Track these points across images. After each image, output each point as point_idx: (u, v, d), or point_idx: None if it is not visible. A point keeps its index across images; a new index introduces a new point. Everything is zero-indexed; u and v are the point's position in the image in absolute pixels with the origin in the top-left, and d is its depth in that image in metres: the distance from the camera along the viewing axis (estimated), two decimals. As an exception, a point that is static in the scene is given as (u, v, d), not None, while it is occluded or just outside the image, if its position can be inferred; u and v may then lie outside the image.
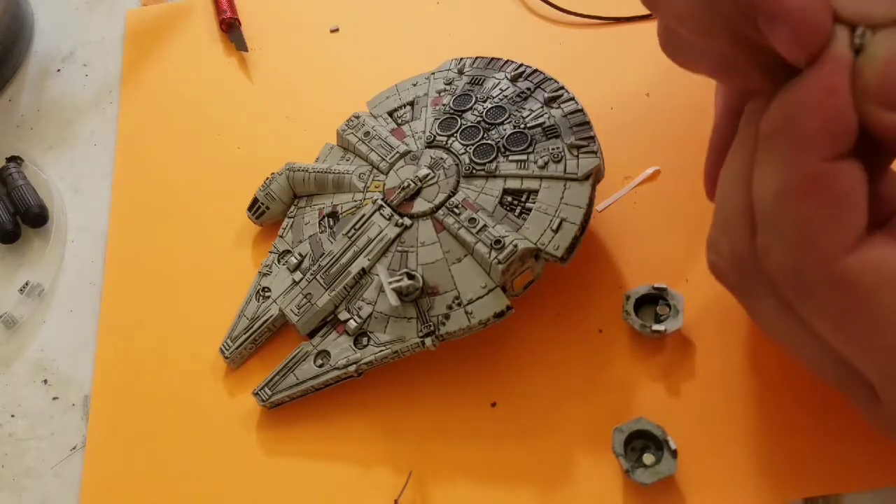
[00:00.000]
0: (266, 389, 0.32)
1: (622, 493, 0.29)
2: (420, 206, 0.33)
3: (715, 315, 0.32)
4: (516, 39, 0.44)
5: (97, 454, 0.34)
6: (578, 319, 0.33)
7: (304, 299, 0.33)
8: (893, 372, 0.19)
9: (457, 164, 0.34)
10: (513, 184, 0.32)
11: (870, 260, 0.18)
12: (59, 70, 0.49)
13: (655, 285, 0.31)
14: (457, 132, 0.35)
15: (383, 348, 0.31)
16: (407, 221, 0.33)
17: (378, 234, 0.33)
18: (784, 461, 0.28)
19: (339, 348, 0.32)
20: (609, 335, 0.32)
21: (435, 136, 0.35)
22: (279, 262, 0.36)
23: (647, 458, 0.28)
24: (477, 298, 0.30)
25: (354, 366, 0.31)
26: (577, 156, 0.32)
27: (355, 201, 0.35)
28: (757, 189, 0.19)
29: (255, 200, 0.38)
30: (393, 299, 0.30)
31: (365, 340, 0.32)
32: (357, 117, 0.38)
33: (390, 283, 0.31)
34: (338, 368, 0.31)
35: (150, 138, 0.44)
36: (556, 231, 0.30)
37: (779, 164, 0.18)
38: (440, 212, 0.32)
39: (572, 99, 0.34)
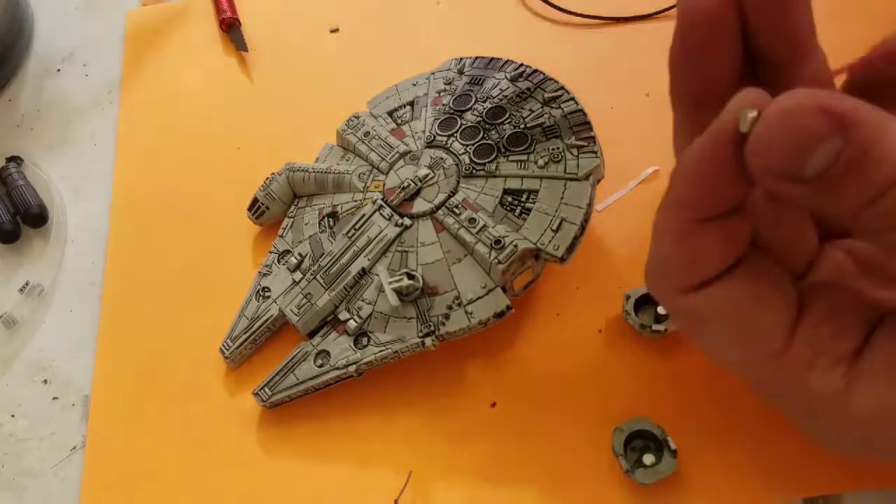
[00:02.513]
0: (266, 389, 0.32)
1: (622, 493, 0.29)
2: (420, 206, 0.33)
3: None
4: (516, 39, 0.44)
5: (97, 454, 0.34)
6: (578, 319, 0.33)
7: (304, 299, 0.33)
8: (751, 380, 0.22)
9: (457, 164, 0.34)
10: (513, 184, 0.32)
11: (695, 303, 0.21)
12: (59, 70, 0.49)
13: (655, 285, 0.31)
14: (457, 132, 0.35)
15: (383, 348, 0.31)
16: (407, 221, 0.33)
17: (378, 234, 0.33)
18: (784, 461, 0.28)
19: (339, 348, 0.32)
20: (609, 335, 0.32)
21: (435, 136, 0.35)
22: (279, 262, 0.36)
23: (647, 458, 0.28)
24: (477, 298, 0.30)
25: (354, 366, 0.31)
26: (577, 156, 0.32)
27: (355, 201, 0.35)
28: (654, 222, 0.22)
29: (255, 200, 0.38)
30: (393, 299, 0.30)
31: (365, 340, 0.32)
32: (357, 117, 0.38)
33: (390, 283, 0.31)
34: (338, 368, 0.31)
35: (150, 138, 0.44)
36: (556, 231, 0.30)
37: (664, 204, 0.21)
38: (440, 212, 0.32)
39: (572, 99, 0.34)
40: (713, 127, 0.19)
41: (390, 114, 0.38)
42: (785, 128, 0.17)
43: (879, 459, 0.26)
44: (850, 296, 0.21)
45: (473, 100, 0.35)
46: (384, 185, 0.35)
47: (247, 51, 0.46)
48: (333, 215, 0.35)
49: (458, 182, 0.33)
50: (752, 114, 0.17)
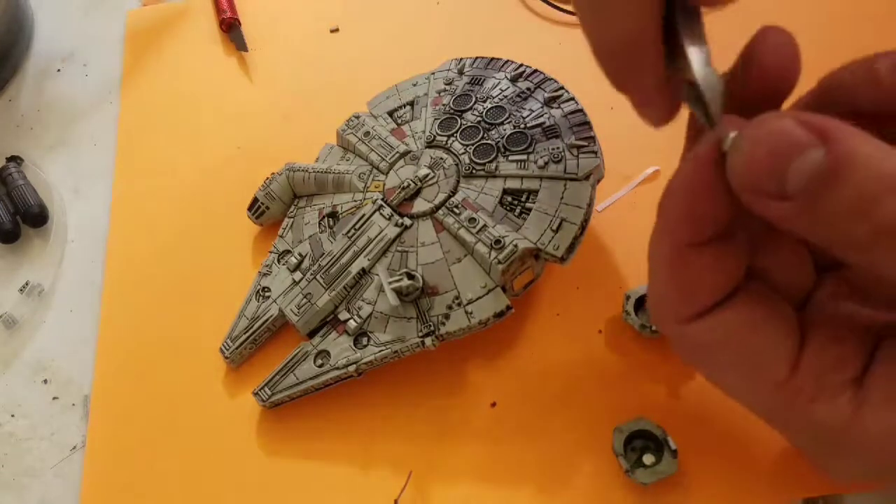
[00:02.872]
0: (266, 389, 0.32)
1: (622, 493, 0.29)
2: (420, 206, 0.33)
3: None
4: (516, 39, 0.44)
5: (97, 454, 0.34)
6: (578, 319, 0.33)
7: (304, 299, 0.33)
8: (755, 409, 0.22)
9: (457, 164, 0.34)
10: (513, 184, 0.32)
11: (694, 333, 0.21)
12: (59, 70, 0.49)
13: (655, 285, 0.31)
14: (457, 132, 0.34)
15: (383, 348, 0.31)
16: (407, 221, 0.33)
17: (378, 234, 0.33)
18: (784, 461, 0.28)
19: (339, 348, 0.32)
20: (609, 335, 0.32)
21: (435, 136, 0.35)
22: (279, 262, 0.36)
23: (647, 458, 0.28)
24: (477, 298, 0.30)
25: (354, 366, 0.31)
26: (577, 156, 0.32)
27: (355, 201, 0.35)
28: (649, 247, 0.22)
29: (255, 200, 0.38)
30: (393, 299, 0.30)
31: (365, 340, 0.32)
32: (357, 117, 0.38)
33: (390, 283, 0.31)
34: (338, 368, 0.31)
35: (150, 138, 0.44)
36: (556, 231, 0.30)
37: (654, 233, 0.21)
38: (440, 212, 0.32)
39: (572, 99, 0.34)
40: (697, 150, 0.19)
41: (390, 114, 0.38)
42: (765, 141, 0.17)
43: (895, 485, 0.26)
44: (847, 322, 0.21)
45: (473, 100, 0.35)
46: (384, 185, 0.35)
47: (247, 51, 0.46)
48: (333, 215, 0.35)
49: (458, 182, 0.33)
50: (734, 133, 0.18)
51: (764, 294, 0.21)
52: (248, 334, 0.34)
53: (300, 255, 0.35)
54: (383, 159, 0.35)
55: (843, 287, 0.22)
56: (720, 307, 0.21)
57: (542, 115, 0.33)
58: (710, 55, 0.20)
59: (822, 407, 0.20)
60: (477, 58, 0.38)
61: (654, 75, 0.21)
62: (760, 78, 0.20)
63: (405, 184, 0.34)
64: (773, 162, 0.17)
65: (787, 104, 0.21)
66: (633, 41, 0.21)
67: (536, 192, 0.31)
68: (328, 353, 0.32)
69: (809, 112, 0.17)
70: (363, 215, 0.34)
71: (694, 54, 0.20)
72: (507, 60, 0.37)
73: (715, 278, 0.20)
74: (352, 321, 0.32)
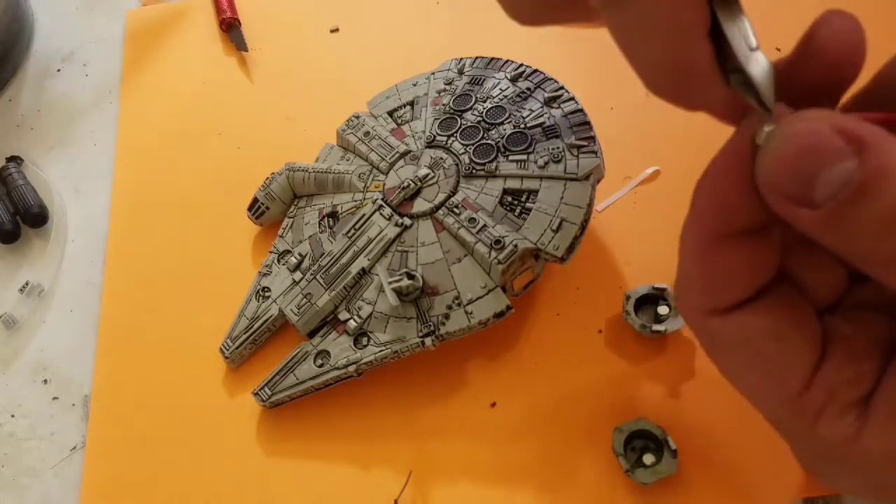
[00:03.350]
0: (266, 389, 0.32)
1: (622, 493, 0.29)
2: (420, 206, 0.33)
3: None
4: (516, 39, 0.44)
5: (97, 454, 0.34)
6: (578, 319, 0.33)
7: (304, 299, 0.33)
8: (763, 412, 0.22)
9: (457, 164, 0.34)
10: (513, 184, 0.32)
11: (718, 328, 0.21)
12: (59, 70, 0.49)
13: (655, 285, 0.31)
14: (457, 132, 0.34)
15: (383, 348, 0.31)
16: (407, 221, 0.33)
17: (378, 234, 0.33)
18: (784, 461, 0.28)
19: (339, 348, 0.32)
20: (609, 335, 0.32)
21: (435, 136, 0.35)
22: (279, 262, 0.36)
23: (647, 458, 0.28)
24: (477, 298, 0.30)
25: (354, 366, 0.31)
26: (577, 156, 0.32)
27: (355, 201, 0.35)
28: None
29: (255, 200, 0.38)
30: (393, 299, 0.30)
31: (365, 340, 0.32)
32: (357, 117, 0.38)
33: (390, 283, 0.31)
34: (338, 368, 0.31)
35: (150, 138, 0.44)
36: (556, 231, 0.30)
37: (687, 218, 0.21)
38: (440, 212, 0.32)
39: (572, 99, 0.34)
40: (732, 139, 0.18)
41: (390, 114, 0.38)
42: (797, 144, 0.17)
43: None
44: (870, 334, 0.20)
45: (473, 100, 0.35)
46: (384, 185, 0.35)
47: (247, 51, 0.46)
48: (333, 215, 0.35)
49: (458, 182, 0.33)
50: (769, 127, 0.17)
51: (791, 300, 0.21)
52: (248, 334, 0.34)
53: (300, 255, 0.35)
54: (383, 159, 0.35)
55: (872, 296, 0.22)
56: (744, 308, 0.20)
57: (542, 115, 0.33)
58: (758, 40, 0.19)
59: (827, 423, 0.20)
60: (477, 58, 0.38)
61: (714, 88, 0.20)
62: (820, 67, 0.19)
63: (405, 184, 0.34)
64: (802, 167, 0.16)
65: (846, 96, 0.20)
66: (685, 68, 0.19)
67: (536, 192, 0.31)
68: (328, 353, 0.32)
69: (856, 111, 0.17)
70: (363, 215, 0.34)
71: (739, 40, 0.19)
72: (507, 60, 0.37)
73: (742, 274, 0.20)
74: (352, 321, 0.32)
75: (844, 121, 0.16)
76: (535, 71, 0.36)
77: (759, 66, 0.18)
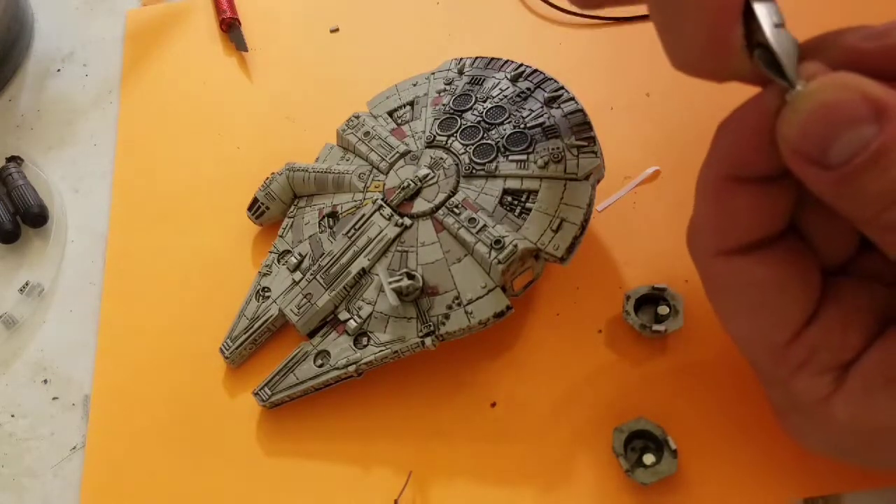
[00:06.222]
0: (266, 389, 0.32)
1: (622, 493, 0.29)
2: (420, 206, 0.33)
3: (715, 315, 0.32)
4: (516, 39, 0.44)
5: (97, 454, 0.34)
6: (578, 319, 0.33)
7: (304, 299, 0.33)
8: (748, 356, 0.23)
9: (457, 164, 0.34)
10: (513, 184, 0.32)
11: (721, 270, 0.21)
12: (59, 70, 0.49)
13: (655, 285, 0.31)
14: (457, 132, 0.34)
15: (383, 348, 0.31)
16: (407, 221, 0.33)
17: (378, 234, 0.33)
18: (784, 461, 0.28)
19: (339, 348, 0.32)
20: (609, 335, 0.32)
21: (435, 136, 0.35)
22: (279, 262, 0.36)
23: (647, 458, 0.28)
24: (477, 298, 0.30)
25: (354, 366, 0.31)
26: (577, 156, 0.32)
27: (355, 201, 0.35)
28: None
29: (255, 200, 0.38)
30: (393, 299, 0.30)
31: (365, 340, 0.32)
32: (357, 117, 0.38)
33: (390, 283, 0.31)
34: (338, 368, 0.31)
35: (150, 138, 0.44)
36: (556, 231, 0.30)
37: (705, 160, 0.21)
38: (440, 212, 0.32)
39: (572, 99, 0.34)
40: (764, 92, 0.19)
41: (390, 114, 0.38)
42: (821, 105, 0.17)
43: (853, 465, 0.26)
44: (868, 302, 0.21)
45: (473, 100, 0.35)
46: (384, 185, 0.35)
47: (247, 51, 0.46)
48: (333, 215, 0.35)
49: (458, 182, 0.33)
50: (800, 86, 0.17)
51: (797, 253, 0.21)
52: (248, 334, 0.34)
53: (300, 255, 0.35)
54: (383, 159, 0.35)
55: (879, 266, 0.22)
56: (750, 253, 0.21)
57: (542, 115, 0.33)
58: (783, 17, 0.19)
59: (804, 379, 0.20)
60: (477, 58, 0.38)
61: (744, 61, 0.20)
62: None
63: (405, 184, 0.34)
64: (821, 129, 0.17)
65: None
66: (721, 43, 0.20)
67: (536, 192, 0.31)
68: (328, 353, 0.32)
69: (881, 84, 0.16)
70: (363, 215, 0.34)
71: (766, 18, 0.19)
72: (507, 60, 0.37)
73: (751, 217, 0.20)
74: (352, 321, 0.32)
75: (873, 88, 0.16)
76: (535, 71, 0.36)
77: (785, 41, 0.19)
